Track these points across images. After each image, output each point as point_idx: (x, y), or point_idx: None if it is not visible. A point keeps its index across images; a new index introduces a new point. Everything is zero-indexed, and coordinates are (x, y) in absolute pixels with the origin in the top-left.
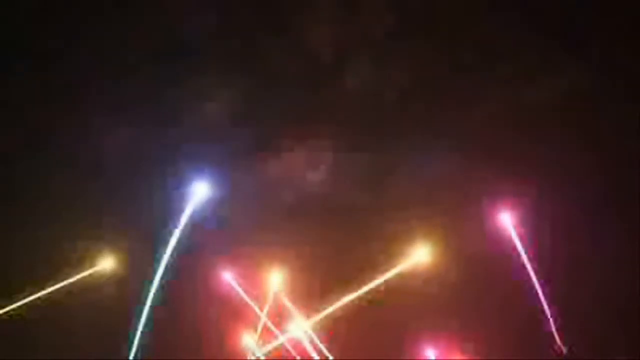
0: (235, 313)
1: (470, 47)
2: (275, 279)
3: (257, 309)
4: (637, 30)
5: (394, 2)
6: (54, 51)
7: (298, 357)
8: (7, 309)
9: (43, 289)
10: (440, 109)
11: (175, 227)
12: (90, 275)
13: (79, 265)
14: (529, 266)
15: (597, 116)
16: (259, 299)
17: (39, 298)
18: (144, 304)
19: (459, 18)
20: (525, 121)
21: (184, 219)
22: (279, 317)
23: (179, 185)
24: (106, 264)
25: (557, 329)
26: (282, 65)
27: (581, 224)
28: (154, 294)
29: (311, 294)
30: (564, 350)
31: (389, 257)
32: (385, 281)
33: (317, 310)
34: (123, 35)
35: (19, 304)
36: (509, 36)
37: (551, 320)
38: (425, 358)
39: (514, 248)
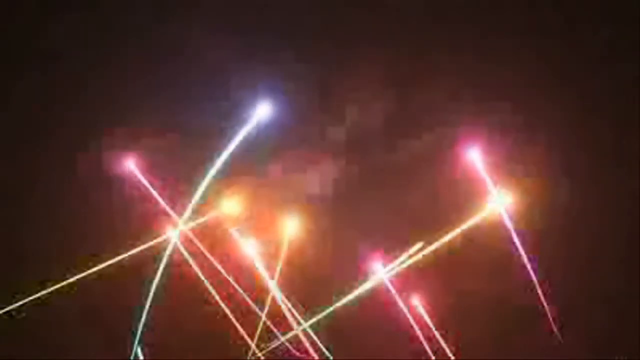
0: (235, 312)
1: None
2: (275, 278)
3: (257, 309)
4: None
5: None
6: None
7: (298, 357)
8: (7, 309)
9: (44, 287)
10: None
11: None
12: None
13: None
14: (528, 264)
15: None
16: (259, 298)
17: (38, 298)
18: (144, 303)
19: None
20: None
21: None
22: (279, 317)
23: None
24: None
25: (555, 325)
26: None
27: (582, 221)
28: (154, 294)
29: (311, 293)
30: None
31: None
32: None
33: (318, 310)
34: None
35: (18, 304)
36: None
37: (551, 319)
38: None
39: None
